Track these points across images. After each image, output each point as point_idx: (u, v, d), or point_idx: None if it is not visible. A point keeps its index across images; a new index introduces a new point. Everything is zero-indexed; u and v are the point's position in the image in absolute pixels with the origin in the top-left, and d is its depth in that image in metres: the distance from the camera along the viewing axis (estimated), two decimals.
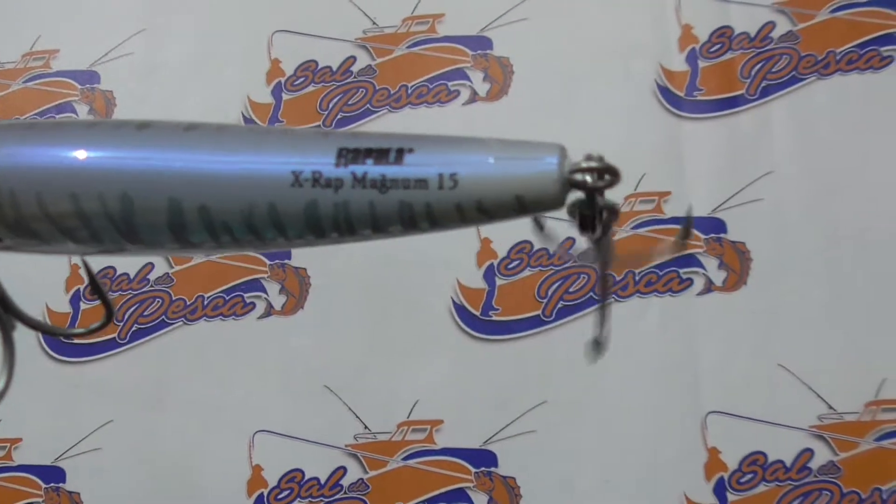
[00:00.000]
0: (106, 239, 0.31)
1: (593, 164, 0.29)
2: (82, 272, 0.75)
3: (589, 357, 0.34)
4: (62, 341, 0.84)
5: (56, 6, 0.91)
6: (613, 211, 0.29)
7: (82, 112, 0.88)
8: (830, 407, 0.73)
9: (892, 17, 0.80)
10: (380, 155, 0.29)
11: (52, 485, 0.82)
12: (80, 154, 0.31)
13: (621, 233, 0.79)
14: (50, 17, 0.91)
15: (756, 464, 0.74)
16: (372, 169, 0.29)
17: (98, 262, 0.81)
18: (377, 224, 0.29)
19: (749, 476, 0.74)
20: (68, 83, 0.89)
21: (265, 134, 0.32)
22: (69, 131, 0.32)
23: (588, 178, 0.29)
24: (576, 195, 0.29)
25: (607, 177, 0.29)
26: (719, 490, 0.74)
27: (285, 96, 0.86)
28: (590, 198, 0.29)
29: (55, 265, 0.84)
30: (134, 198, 0.30)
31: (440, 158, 0.29)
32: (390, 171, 0.29)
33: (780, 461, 0.73)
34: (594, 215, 0.29)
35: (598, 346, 0.33)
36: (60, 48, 0.89)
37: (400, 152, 0.29)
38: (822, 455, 0.73)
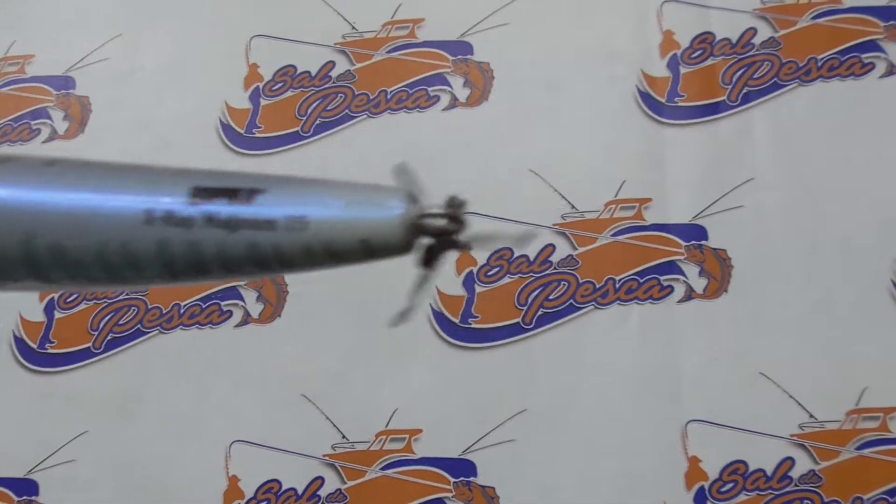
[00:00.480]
0: None
1: (435, 210, 0.29)
2: None
3: (392, 322, 0.34)
4: (35, 351, 0.83)
5: (31, 11, 0.90)
6: (464, 247, 0.30)
7: (58, 118, 0.87)
8: (811, 415, 0.73)
9: (873, 23, 0.80)
10: (231, 195, 0.29)
11: (24, 498, 0.81)
12: None
13: (602, 239, 0.79)
14: (25, 22, 0.90)
15: (737, 473, 0.73)
16: (223, 209, 0.29)
17: None
18: (228, 264, 0.30)
19: (730, 485, 0.73)
20: (43, 89, 0.88)
21: (126, 170, 0.31)
22: None
23: (435, 224, 0.29)
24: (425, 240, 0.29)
25: (454, 224, 0.29)
26: (700, 499, 0.73)
27: (263, 102, 0.85)
28: (437, 245, 0.30)
29: None
30: None
31: (290, 200, 0.29)
32: (240, 211, 0.29)
33: (761, 470, 0.73)
34: (435, 259, 0.30)
35: (403, 315, 0.33)
36: (36, 53, 0.88)
37: (251, 192, 0.29)
38: (802, 464, 0.72)
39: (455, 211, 0.29)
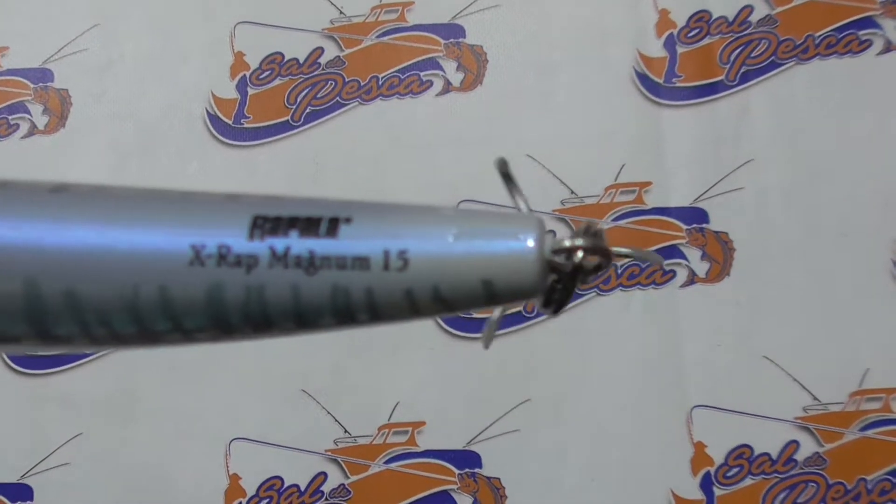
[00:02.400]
0: None
1: (580, 242, 0.23)
2: None
3: (485, 342, 0.29)
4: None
5: (2, 2, 0.86)
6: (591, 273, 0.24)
7: (36, 112, 0.84)
8: (815, 398, 0.73)
9: None
10: (308, 225, 0.22)
11: (18, 503, 0.79)
12: None
13: (602, 224, 0.78)
14: None
15: (742, 457, 0.73)
16: (297, 243, 0.22)
17: None
18: (302, 315, 0.23)
19: (735, 470, 0.73)
20: (20, 82, 0.84)
21: (156, 197, 0.24)
22: None
23: (573, 260, 0.23)
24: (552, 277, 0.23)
25: (602, 258, 0.23)
26: (706, 485, 0.73)
27: (251, 91, 0.83)
28: (570, 282, 0.23)
29: None
30: None
31: (385, 231, 0.23)
32: (321, 245, 0.22)
33: (766, 454, 0.73)
34: (566, 299, 0.23)
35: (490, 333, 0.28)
36: (10, 45, 0.85)
37: (334, 222, 0.22)
38: (807, 447, 0.72)
39: (598, 242, 0.23)
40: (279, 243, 0.22)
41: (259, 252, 0.22)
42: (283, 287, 0.22)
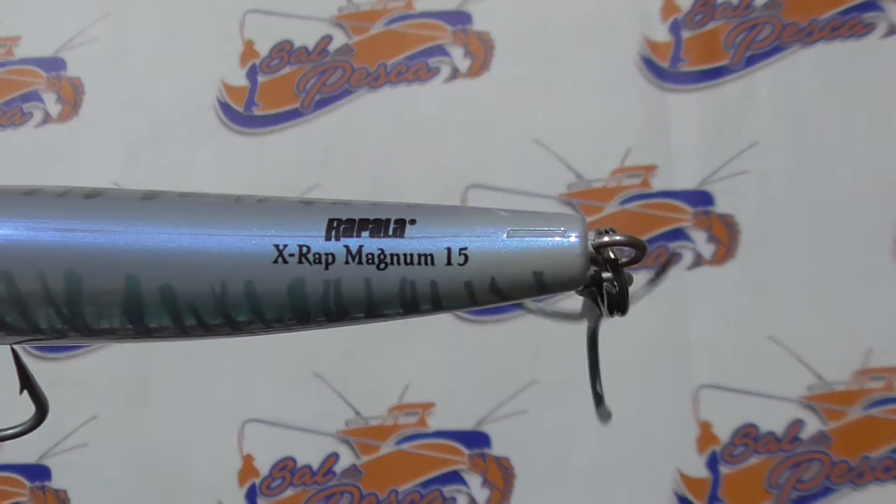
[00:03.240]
0: (44, 324, 0.27)
1: (619, 238, 0.27)
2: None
3: (601, 419, 0.32)
4: None
5: None
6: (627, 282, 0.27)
7: (50, 100, 0.85)
8: (820, 377, 0.74)
9: None
10: (377, 227, 0.26)
11: (37, 483, 0.81)
12: (15, 227, 0.26)
13: (609, 208, 0.79)
14: (7, 2, 0.87)
15: (748, 436, 0.74)
16: (368, 242, 0.26)
17: None
18: (373, 306, 0.26)
19: (741, 448, 0.74)
20: (33, 71, 0.86)
21: (237, 203, 0.28)
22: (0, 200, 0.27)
23: (613, 255, 0.27)
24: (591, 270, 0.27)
25: (633, 252, 0.27)
26: (712, 463, 0.74)
27: (261, 79, 0.84)
28: (616, 274, 0.27)
29: None
30: (83, 276, 0.26)
31: (446, 231, 0.26)
32: (390, 244, 0.26)
33: (772, 433, 0.74)
34: (623, 292, 0.27)
35: (603, 412, 0.32)
36: (23, 35, 0.86)
37: (400, 223, 0.26)
38: (812, 425, 0.73)
39: (638, 239, 0.26)
40: (353, 243, 0.26)
41: (335, 251, 0.26)
42: (357, 281, 0.26)
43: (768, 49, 0.79)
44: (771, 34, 0.79)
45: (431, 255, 0.26)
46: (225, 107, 0.84)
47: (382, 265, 0.26)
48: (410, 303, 0.26)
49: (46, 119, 0.85)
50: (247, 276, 0.26)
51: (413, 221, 0.26)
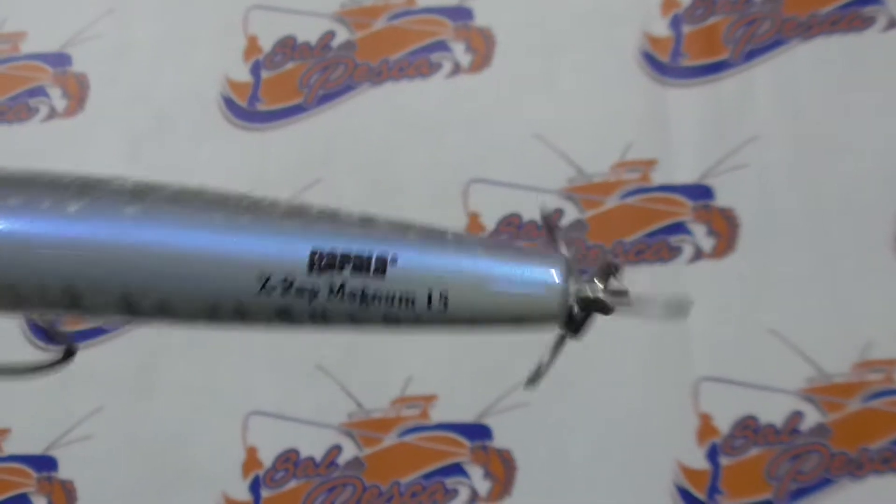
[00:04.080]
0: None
1: (602, 296, 0.27)
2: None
3: (527, 385, 0.32)
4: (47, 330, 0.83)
5: None
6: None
7: (56, 95, 0.86)
8: (819, 369, 0.74)
9: None
10: (358, 264, 0.26)
11: (44, 473, 0.82)
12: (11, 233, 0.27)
13: (609, 202, 0.79)
14: None
15: (748, 428, 0.75)
16: (350, 280, 0.26)
17: None
18: (360, 327, 0.28)
19: (741, 440, 0.75)
20: (39, 66, 0.86)
21: (229, 217, 0.28)
22: None
23: (596, 296, 0.28)
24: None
25: (617, 297, 0.28)
26: (712, 455, 0.75)
27: (264, 74, 0.84)
28: (588, 316, 0.28)
29: None
30: (83, 290, 0.27)
31: (428, 273, 0.26)
32: (371, 285, 0.26)
33: (771, 424, 0.74)
34: (583, 326, 0.28)
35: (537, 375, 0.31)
36: (28, 31, 0.87)
37: (381, 263, 0.26)
38: (811, 417, 0.74)
39: (616, 281, 0.27)
40: (336, 278, 0.26)
41: (318, 286, 0.26)
42: (341, 314, 0.27)
43: (768, 43, 0.80)
44: (770, 28, 0.80)
45: (413, 299, 0.26)
46: (228, 102, 0.84)
47: (364, 304, 0.26)
48: (395, 330, 0.27)
49: (52, 114, 0.86)
50: (237, 298, 0.27)
51: (394, 261, 0.26)
